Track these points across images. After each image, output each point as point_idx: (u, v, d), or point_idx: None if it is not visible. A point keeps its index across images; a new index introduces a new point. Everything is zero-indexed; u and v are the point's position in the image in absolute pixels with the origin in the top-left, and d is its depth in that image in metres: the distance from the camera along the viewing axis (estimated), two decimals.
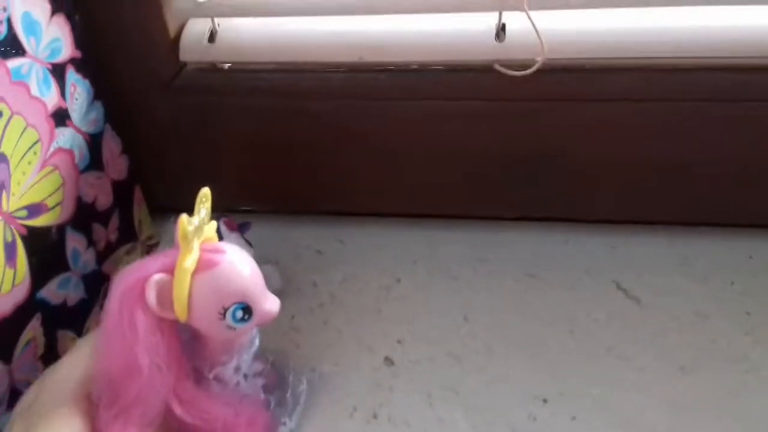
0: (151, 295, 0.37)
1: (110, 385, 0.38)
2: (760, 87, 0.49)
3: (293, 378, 0.46)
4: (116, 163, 0.55)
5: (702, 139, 0.52)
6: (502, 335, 0.51)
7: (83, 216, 0.51)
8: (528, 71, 0.47)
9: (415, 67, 0.52)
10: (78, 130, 0.50)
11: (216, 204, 0.39)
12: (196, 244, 0.38)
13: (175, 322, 0.39)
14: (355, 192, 0.59)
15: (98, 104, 0.52)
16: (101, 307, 0.52)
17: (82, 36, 0.49)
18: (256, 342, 0.43)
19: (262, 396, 0.44)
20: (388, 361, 0.50)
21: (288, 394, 0.45)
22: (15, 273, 0.44)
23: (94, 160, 0.52)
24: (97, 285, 0.53)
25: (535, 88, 0.49)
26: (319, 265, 0.58)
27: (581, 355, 0.49)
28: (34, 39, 0.44)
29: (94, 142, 0.52)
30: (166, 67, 0.53)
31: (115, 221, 0.55)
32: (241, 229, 0.53)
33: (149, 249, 0.61)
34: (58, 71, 0.47)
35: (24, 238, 0.44)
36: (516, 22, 0.48)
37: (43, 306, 0.47)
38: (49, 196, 0.47)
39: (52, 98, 0.47)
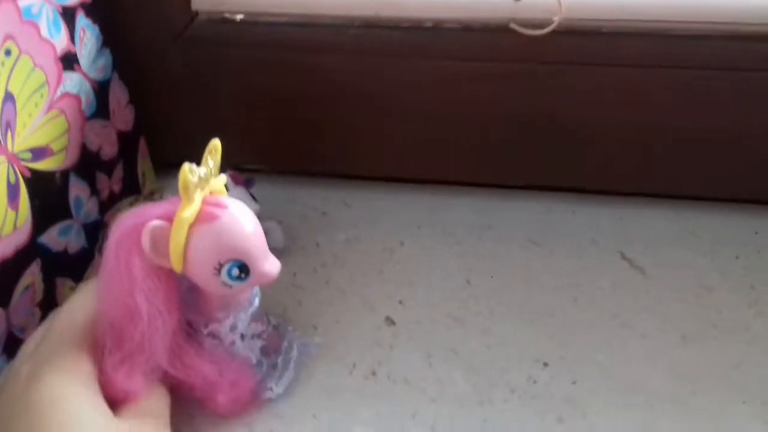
0: (146, 240, 0.36)
1: (113, 330, 0.38)
2: None
3: (286, 344, 0.46)
4: (122, 113, 0.55)
5: (715, 111, 0.51)
6: (505, 300, 0.51)
7: (87, 164, 0.50)
8: (545, 30, 0.46)
9: (429, 25, 0.51)
10: (86, 76, 0.49)
11: (223, 161, 0.39)
12: (198, 196, 0.37)
13: (172, 271, 0.38)
14: (362, 153, 0.59)
15: (107, 51, 0.52)
16: (100, 252, 0.52)
17: None
18: (256, 303, 0.43)
19: (256, 359, 0.43)
20: (389, 320, 0.50)
21: (279, 360, 0.45)
22: (17, 215, 0.43)
23: (101, 108, 0.51)
24: (98, 235, 0.53)
25: (550, 50, 0.49)
26: (323, 226, 0.58)
27: (584, 322, 0.49)
28: None
29: (101, 89, 0.51)
30: (178, 15, 0.53)
31: (119, 172, 0.55)
32: (247, 184, 0.52)
33: None
34: (68, 14, 0.47)
35: (27, 181, 0.44)
36: None
37: (43, 252, 0.46)
38: (54, 140, 0.46)
39: (61, 41, 0.46)
